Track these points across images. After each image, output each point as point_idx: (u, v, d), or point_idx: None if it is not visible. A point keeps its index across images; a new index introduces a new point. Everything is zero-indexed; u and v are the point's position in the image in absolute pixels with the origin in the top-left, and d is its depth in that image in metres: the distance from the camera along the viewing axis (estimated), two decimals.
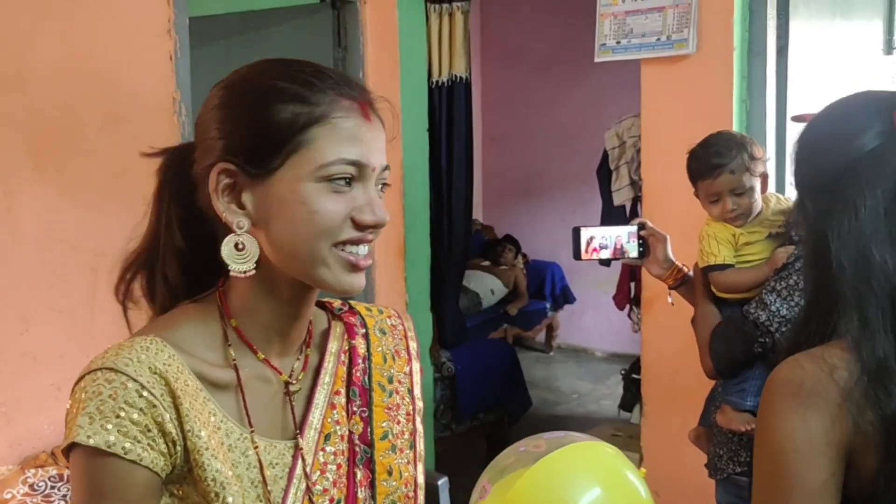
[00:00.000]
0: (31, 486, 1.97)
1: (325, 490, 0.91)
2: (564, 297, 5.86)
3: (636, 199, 3.08)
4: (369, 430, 0.97)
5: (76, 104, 2.20)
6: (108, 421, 0.77)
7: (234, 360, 0.88)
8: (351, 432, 0.95)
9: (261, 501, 0.86)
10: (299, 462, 0.90)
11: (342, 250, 0.85)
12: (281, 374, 0.92)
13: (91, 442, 0.76)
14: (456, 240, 3.48)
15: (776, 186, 2.06)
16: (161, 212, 0.92)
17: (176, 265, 0.91)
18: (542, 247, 6.02)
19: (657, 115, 2.33)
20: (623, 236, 1.97)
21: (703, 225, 1.99)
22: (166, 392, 0.80)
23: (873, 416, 0.88)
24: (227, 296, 0.89)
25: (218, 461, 0.82)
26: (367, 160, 0.84)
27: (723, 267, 1.89)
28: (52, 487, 1.99)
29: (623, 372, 3.38)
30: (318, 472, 0.91)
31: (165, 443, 0.80)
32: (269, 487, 0.86)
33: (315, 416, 0.93)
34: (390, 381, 1.01)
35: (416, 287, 3.25)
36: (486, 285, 5.42)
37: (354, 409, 0.96)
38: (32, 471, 2.01)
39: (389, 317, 1.07)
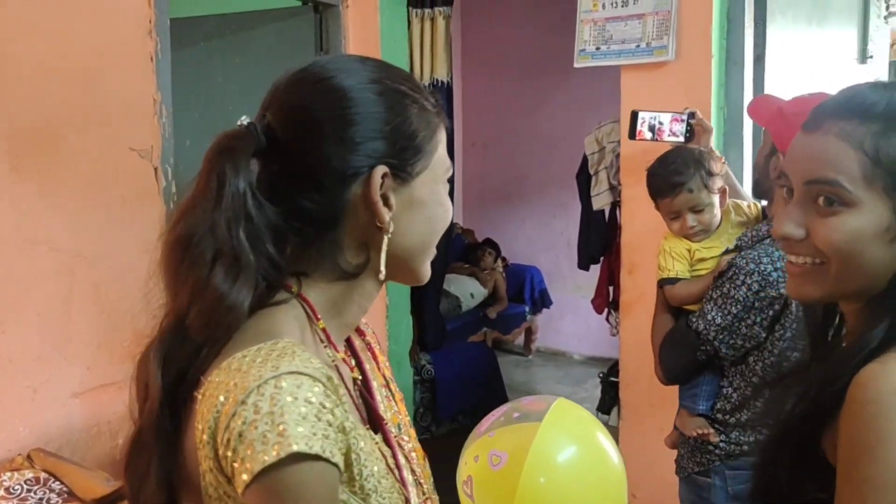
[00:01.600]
0: (6, 489, 1.95)
1: (420, 475, 0.94)
2: (543, 300, 5.89)
3: (615, 204, 3.11)
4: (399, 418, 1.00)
5: (56, 105, 2.18)
6: (318, 424, 0.72)
7: (333, 360, 0.87)
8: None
9: (395, 493, 0.85)
10: (398, 451, 0.91)
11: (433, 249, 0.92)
12: (353, 370, 0.94)
13: (315, 448, 0.70)
14: (438, 245, 3.47)
15: (752, 191, 2.10)
16: (245, 214, 0.80)
17: (265, 271, 0.83)
18: (522, 251, 6.06)
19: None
20: (675, 122, 2.20)
21: (662, 239, 2.04)
22: (334, 391, 0.76)
23: None
24: (308, 298, 0.86)
25: (370, 458, 0.81)
26: None
27: (674, 280, 1.94)
28: (29, 491, 1.98)
29: (601, 375, 3.40)
30: (412, 460, 0.94)
31: (344, 443, 0.76)
32: (397, 479, 0.87)
33: (382, 408, 0.95)
34: (392, 375, 1.05)
35: (396, 290, 3.26)
36: (465, 289, 5.44)
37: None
38: (8, 474, 1.99)
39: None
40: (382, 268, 0.85)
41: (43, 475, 2.05)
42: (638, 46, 2.41)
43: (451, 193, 0.96)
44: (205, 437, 0.73)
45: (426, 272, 0.92)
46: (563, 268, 5.67)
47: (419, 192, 0.87)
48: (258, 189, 0.83)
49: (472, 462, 1.06)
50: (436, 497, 0.99)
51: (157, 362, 0.79)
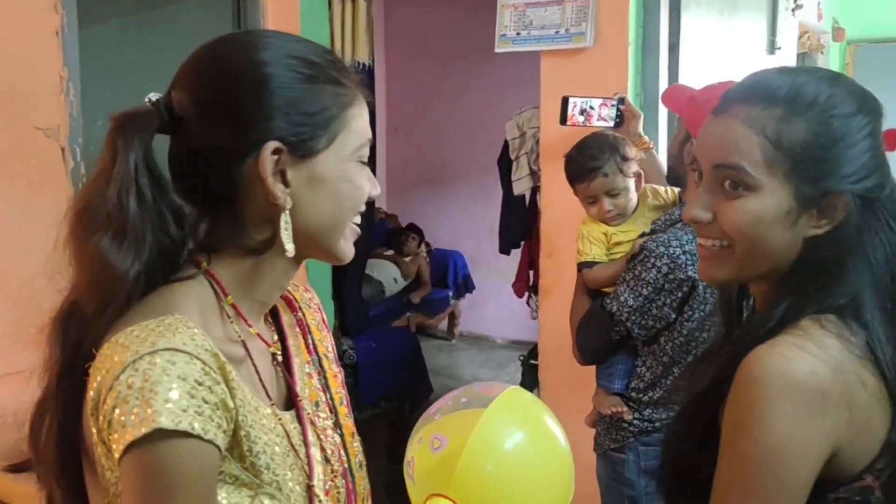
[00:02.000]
0: None
1: (332, 452, 0.95)
2: (466, 285, 5.93)
3: (535, 189, 3.14)
4: (328, 396, 1.00)
5: None
6: (191, 401, 0.72)
7: (240, 335, 0.87)
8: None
9: (298, 471, 0.86)
10: (309, 429, 0.91)
11: (353, 222, 0.91)
12: (269, 345, 0.94)
13: (180, 426, 0.71)
14: (360, 228, 3.45)
15: (667, 178, 2.16)
16: (136, 188, 0.81)
17: (161, 246, 0.83)
18: (446, 236, 6.08)
19: (556, 108, 2.38)
20: (605, 107, 2.23)
21: (580, 224, 2.09)
22: (218, 368, 0.77)
23: (872, 399, 0.89)
24: (217, 274, 0.87)
25: (263, 434, 0.82)
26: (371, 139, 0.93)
27: (592, 264, 1.99)
28: None
29: (521, 358, 3.45)
30: (324, 438, 0.94)
31: (226, 419, 0.76)
32: (299, 457, 0.88)
33: (300, 386, 0.95)
34: (327, 350, 1.05)
35: (317, 275, 3.22)
36: (389, 274, 5.43)
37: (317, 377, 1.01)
38: None
39: (306, 291, 1.09)
40: (286, 244, 0.85)
41: None
42: (557, 32, 2.44)
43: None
44: (89, 410, 0.75)
45: (345, 250, 0.92)
46: (486, 253, 5.71)
47: (322, 170, 0.86)
48: (170, 166, 0.85)
49: (416, 444, 1.05)
50: (362, 474, 1.00)
51: (56, 334, 0.81)
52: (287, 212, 0.85)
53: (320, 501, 0.88)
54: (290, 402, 0.94)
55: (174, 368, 0.72)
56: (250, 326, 0.90)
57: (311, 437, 0.91)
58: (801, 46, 4.35)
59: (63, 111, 2.30)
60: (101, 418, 0.74)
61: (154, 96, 0.86)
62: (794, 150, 0.94)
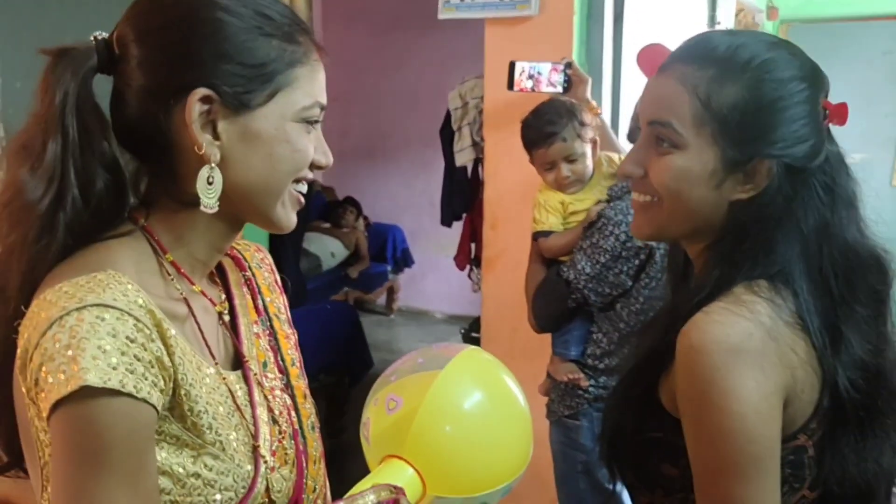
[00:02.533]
0: None
1: (280, 413, 0.92)
2: (405, 260, 5.90)
3: (478, 161, 3.11)
4: (279, 357, 0.98)
5: None
6: (121, 358, 0.70)
7: (181, 293, 0.85)
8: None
9: (242, 431, 0.84)
10: (255, 389, 0.89)
11: (294, 188, 0.87)
12: (215, 304, 0.92)
13: (108, 384, 0.68)
14: None
15: (627, 138, 2.15)
16: (60, 127, 0.78)
17: (87, 193, 0.80)
18: (385, 209, 6.01)
19: (500, 76, 2.34)
20: (553, 72, 2.17)
21: (536, 192, 2.07)
22: (153, 325, 0.74)
23: (805, 363, 0.91)
24: (154, 230, 0.84)
25: (205, 393, 0.80)
26: (325, 104, 0.87)
27: (548, 233, 1.99)
28: None
29: (462, 331, 3.43)
30: (271, 398, 0.92)
31: (163, 378, 0.74)
32: (245, 417, 0.85)
33: (247, 346, 0.93)
34: (279, 311, 1.02)
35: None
36: (326, 248, 5.36)
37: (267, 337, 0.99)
38: None
39: (258, 250, 1.06)
40: (203, 198, 0.81)
41: None
42: (502, 0, 2.39)
43: None
44: (17, 369, 0.74)
45: (282, 217, 0.87)
46: (426, 227, 5.67)
47: (259, 126, 0.82)
48: (110, 109, 0.82)
49: (372, 406, 1.03)
50: (314, 435, 0.98)
51: None
52: (214, 166, 0.81)
53: (265, 462, 0.85)
54: (237, 362, 0.92)
55: (103, 325, 0.70)
56: (193, 284, 0.87)
57: (257, 397, 0.89)
58: (736, 24, 4.41)
59: None
60: (28, 377, 0.71)
61: (101, 34, 0.82)
62: (721, 112, 0.94)
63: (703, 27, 3.09)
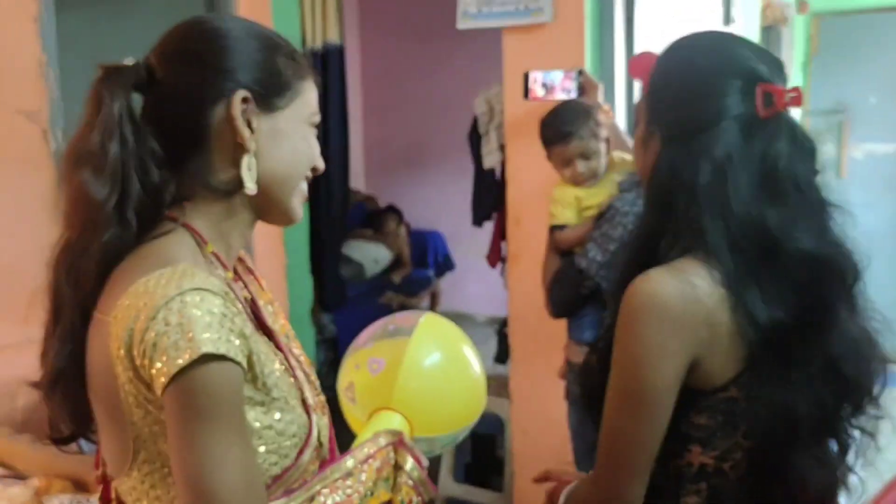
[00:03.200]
0: None
1: (307, 374, 1.06)
2: (446, 264, 6.03)
3: (505, 162, 3.24)
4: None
5: None
6: (221, 330, 0.82)
7: (225, 280, 0.95)
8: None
9: (293, 389, 0.98)
10: (290, 357, 1.02)
11: (301, 186, 1.03)
12: (244, 288, 1.05)
13: (220, 351, 0.81)
14: (334, 206, 3.56)
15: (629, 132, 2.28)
16: (119, 131, 0.90)
17: (146, 187, 0.92)
18: (425, 216, 6.16)
19: (518, 82, 2.49)
20: (566, 80, 2.32)
21: (553, 188, 2.22)
22: (233, 304, 0.87)
23: (732, 324, 1.03)
24: (193, 224, 0.96)
25: (265, 358, 0.92)
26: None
27: (562, 227, 2.14)
28: None
29: (497, 328, 3.56)
30: (298, 363, 1.05)
31: (245, 347, 0.86)
32: (291, 376, 0.99)
33: (270, 321, 1.05)
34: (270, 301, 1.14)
35: (295, 251, 3.33)
36: (369, 255, 5.51)
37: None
38: None
39: None
40: (248, 183, 0.95)
41: None
42: (516, 8, 2.54)
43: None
44: (122, 352, 0.84)
45: (295, 209, 1.03)
46: (465, 231, 5.77)
47: (283, 125, 0.98)
48: (142, 121, 0.94)
49: (353, 370, 1.22)
50: (323, 396, 1.11)
51: (57, 274, 0.92)
52: (251, 154, 0.95)
53: (316, 413, 1.00)
54: (267, 337, 1.03)
55: (203, 304, 0.83)
56: (227, 272, 0.99)
57: (293, 361, 1.02)
58: (764, 19, 4.45)
59: (43, 95, 2.38)
60: (137, 357, 0.83)
61: (131, 59, 0.96)
62: (652, 89, 1.15)
63: (718, 25, 3.18)
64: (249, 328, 0.89)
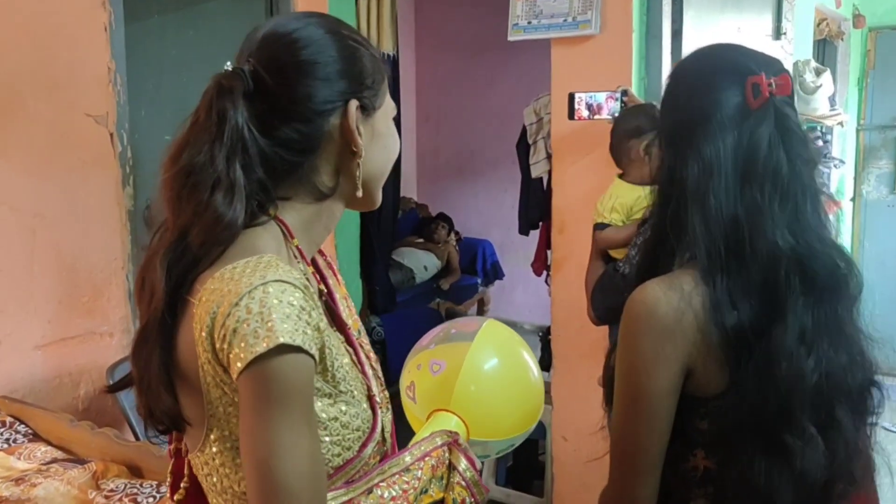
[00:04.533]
0: None
1: (376, 370, 1.07)
2: (495, 272, 6.07)
3: (552, 172, 3.29)
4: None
5: (15, 72, 2.30)
6: (299, 322, 0.84)
7: (305, 274, 0.98)
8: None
9: (360, 384, 1.00)
10: (360, 350, 1.05)
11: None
12: (320, 282, 1.07)
13: (296, 342, 0.83)
14: (385, 213, 3.65)
15: None
16: (242, 142, 0.92)
17: (248, 189, 0.93)
18: (475, 224, 6.23)
19: (565, 92, 2.53)
20: (610, 101, 2.36)
21: (612, 184, 2.24)
22: (312, 298, 0.89)
23: (719, 335, 1.04)
24: (284, 219, 0.98)
25: (336, 352, 0.95)
26: None
27: (604, 226, 2.16)
28: None
29: (540, 335, 3.60)
30: (368, 360, 1.07)
31: (319, 340, 0.88)
32: (358, 372, 1.01)
33: (345, 315, 1.08)
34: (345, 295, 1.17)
35: (346, 255, 3.42)
36: (419, 261, 5.60)
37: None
38: None
39: None
40: (360, 187, 0.99)
41: (9, 419, 2.19)
42: (565, 21, 2.59)
43: (398, 170, 1.12)
44: (203, 334, 0.86)
45: (380, 197, 1.07)
46: (514, 240, 5.83)
47: (379, 125, 1.02)
48: (250, 126, 0.95)
49: (415, 370, 1.28)
50: (387, 392, 1.14)
51: (162, 269, 0.91)
52: (362, 160, 0.99)
53: (381, 408, 1.03)
54: (340, 331, 1.05)
55: (284, 295, 0.84)
56: (309, 266, 1.02)
57: (362, 356, 1.04)
58: (819, 33, 4.40)
59: (111, 100, 2.52)
60: (217, 341, 0.84)
61: (230, 65, 0.96)
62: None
63: (767, 38, 3.18)
64: (324, 322, 0.91)
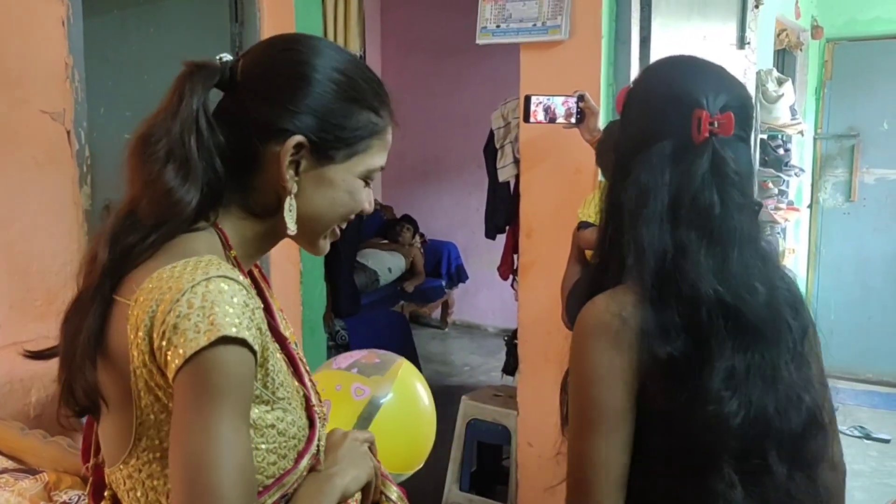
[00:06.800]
0: None
1: (314, 382, 1.07)
2: (459, 275, 6.07)
3: (519, 176, 3.28)
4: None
5: None
6: (242, 317, 0.83)
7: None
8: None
9: (297, 393, 0.99)
10: (299, 362, 1.03)
11: (334, 229, 1.03)
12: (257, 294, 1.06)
13: (242, 334, 0.82)
14: None
15: None
16: (196, 126, 0.93)
17: (204, 175, 0.93)
18: (439, 227, 6.22)
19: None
20: (566, 105, 2.31)
21: (600, 187, 2.23)
22: (255, 299, 0.88)
23: (652, 362, 1.02)
24: (224, 229, 0.97)
25: (274, 359, 0.93)
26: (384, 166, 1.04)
27: (587, 225, 2.15)
28: None
29: (506, 339, 3.59)
30: (306, 371, 1.06)
31: (261, 341, 0.87)
32: (295, 381, 1.00)
33: (282, 326, 1.06)
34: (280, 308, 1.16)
35: (310, 257, 3.36)
36: (384, 263, 5.57)
37: None
38: None
39: None
40: (289, 224, 0.96)
41: None
42: (534, 25, 2.58)
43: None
44: (140, 334, 0.83)
45: (322, 247, 1.04)
46: (479, 243, 5.84)
47: (332, 175, 0.98)
48: (216, 114, 0.96)
49: (332, 389, 1.30)
50: (325, 407, 1.12)
51: (106, 238, 0.90)
52: (292, 196, 0.96)
53: (320, 417, 1.01)
54: (279, 343, 1.04)
55: (228, 290, 0.84)
56: (246, 277, 0.98)
57: (301, 368, 1.03)
58: (778, 43, 4.47)
59: (69, 96, 2.44)
60: (155, 339, 0.83)
61: (226, 56, 0.97)
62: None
63: (731, 47, 3.21)
64: (265, 326, 0.90)
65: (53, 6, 2.39)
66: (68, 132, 2.45)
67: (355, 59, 1.03)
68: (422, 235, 6.05)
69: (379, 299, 5.29)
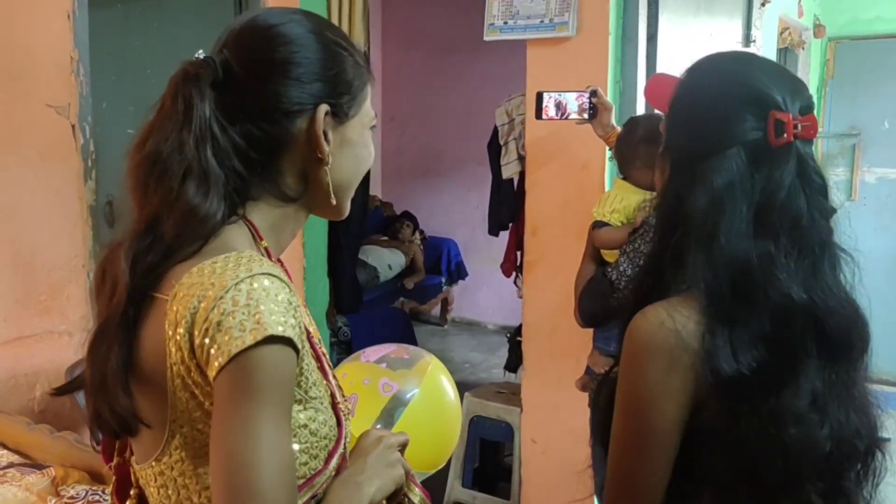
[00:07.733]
0: None
1: (338, 379, 1.05)
2: (459, 272, 6.07)
3: (523, 173, 3.27)
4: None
5: None
6: (287, 315, 0.82)
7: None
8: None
9: (326, 391, 0.96)
10: (324, 360, 1.00)
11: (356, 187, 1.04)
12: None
13: (287, 333, 0.80)
14: (354, 212, 3.58)
15: None
16: (210, 132, 0.90)
17: (225, 181, 0.91)
18: (440, 224, 6.21)
19: None
20: (579, 101, 2.30)
21: (615, 186, 2.23)
22: (295, 296, 0.86)
23: (714, 381, 0.96)
24: (252, 220, 0.95)
25: (308, 358, 0.91)
26: None
27: (603, 224, 2.16)
28: None
29: (508, 335, 3.59)
30: (330, 368, 1.04)
31: (302, 340, 0.85)
32: (330, 387, 0.98)
33: (307, 321, 1.04)
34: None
35: (313, 253, 3.36)
36: (384, 260, 5.57)
37: None
38: None
39: None
40: (332, 194, 0.96)
41: None
42: (542, 22, 2.57)
43: (368, 170, 1.07)
44: (180, 331, 0.81)
45: (347, 208, 1.03)
46: (480, 240, 5.84)
47: (351, 133, 0.98)
48: (220, 112, 0.92)
49: (361, 383, 1.28)
50: (349, 403, 1.10)
51: (127, 261, 0.86)
52: (329, 166, 0.95)
53: (344, 414, 1.00)
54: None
55: (273, 288, 0.82)
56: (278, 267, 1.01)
57: (325, 365, 1.00)
58: (781, 42, 4.47)
59: (73, 90, 2.43)
60: (197, 337, 0.80)
61: (202, 53, 0.93)
62: (670, 111, 1.12)
63: (737, 45, 3.21)
64: (303, 324, 0.88)
65: (59, 0, 2.38)
66: (73, 126, 2.44)
67: (315, 15, 1.02)
68: (422, 232, 6.05)
69: (379, 296, 5.28)
